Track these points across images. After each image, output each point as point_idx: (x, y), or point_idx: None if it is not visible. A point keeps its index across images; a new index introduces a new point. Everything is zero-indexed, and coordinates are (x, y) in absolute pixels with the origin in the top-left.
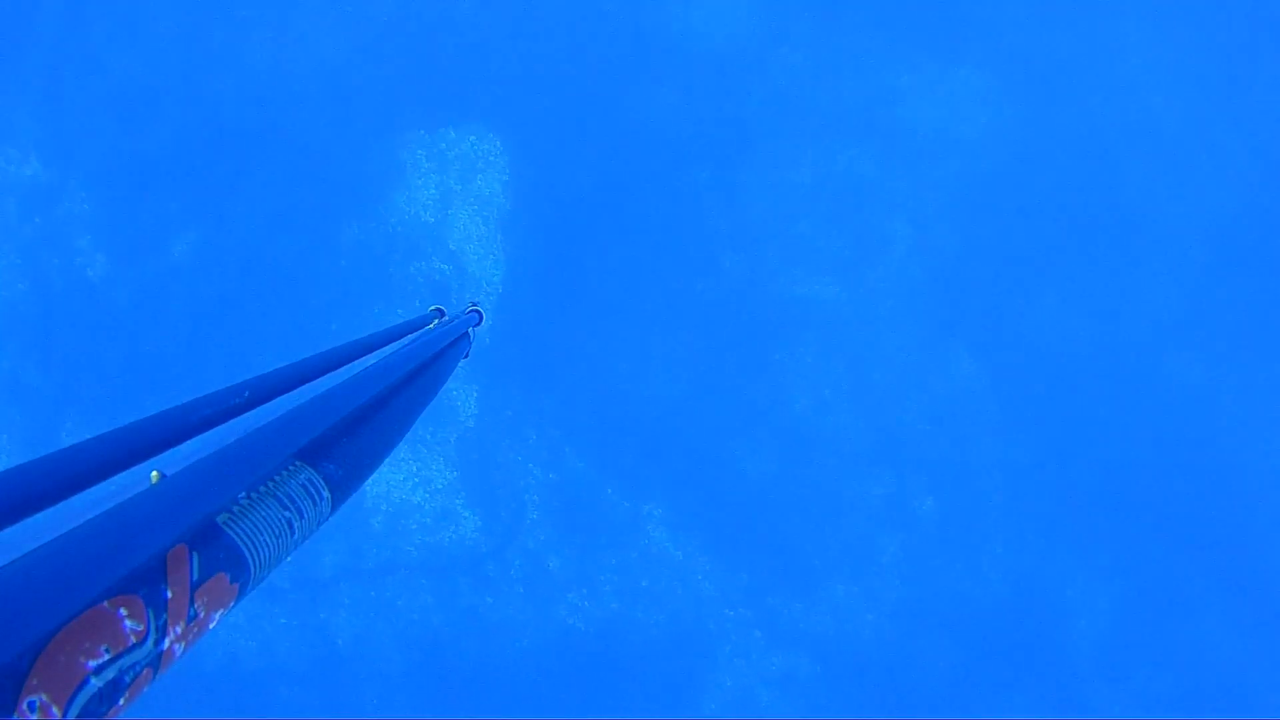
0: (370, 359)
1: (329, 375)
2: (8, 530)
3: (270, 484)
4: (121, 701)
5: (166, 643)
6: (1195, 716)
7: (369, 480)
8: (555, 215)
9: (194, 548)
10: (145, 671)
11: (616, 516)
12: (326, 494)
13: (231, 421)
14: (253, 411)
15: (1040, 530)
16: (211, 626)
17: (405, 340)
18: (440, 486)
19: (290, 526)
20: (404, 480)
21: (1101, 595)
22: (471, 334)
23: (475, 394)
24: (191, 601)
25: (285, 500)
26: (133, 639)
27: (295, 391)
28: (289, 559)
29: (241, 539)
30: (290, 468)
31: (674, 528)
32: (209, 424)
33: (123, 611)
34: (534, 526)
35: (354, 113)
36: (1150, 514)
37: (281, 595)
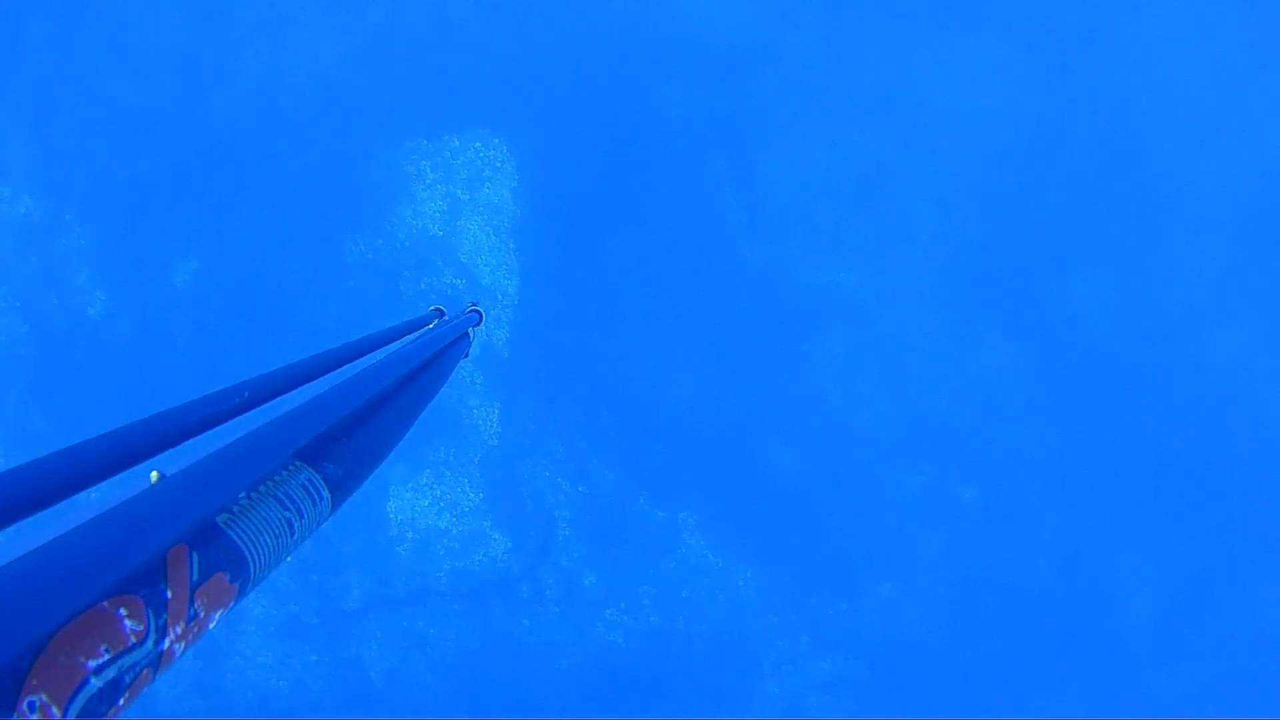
0: (370, 359)
1: (329, 375)
2: (8, 530)
3: (270, 484)
4: (121, 701)
5: (166, 643)
6: (1250, 700)
7: (369, 480)
8: (568, 219)
9: (194, 548)
10: (145, 671)
11: (651, 526)
12: (326, 494)
13: (231, 421)
14: (253, 411)
15: (1085, 514)
16: (211, 626)
17: (405, 340)
18: (467, 509)
19: (290, 526)
20: (429, 505)
21: (1151, 578)
22: (471, 334)
23: (497, 411)
24: (191, 601)
25: (285, 500)
26: (133, 639)
27: (295, 391)
28: (289, 559)
29: (241, 539)
30: (290, 468)
31: (710, 534)
32: (209, 424)
33: (123, 611)
34: (566, 543)
35: (354, 124)
36: (1196, 492)
37: (310, 631)
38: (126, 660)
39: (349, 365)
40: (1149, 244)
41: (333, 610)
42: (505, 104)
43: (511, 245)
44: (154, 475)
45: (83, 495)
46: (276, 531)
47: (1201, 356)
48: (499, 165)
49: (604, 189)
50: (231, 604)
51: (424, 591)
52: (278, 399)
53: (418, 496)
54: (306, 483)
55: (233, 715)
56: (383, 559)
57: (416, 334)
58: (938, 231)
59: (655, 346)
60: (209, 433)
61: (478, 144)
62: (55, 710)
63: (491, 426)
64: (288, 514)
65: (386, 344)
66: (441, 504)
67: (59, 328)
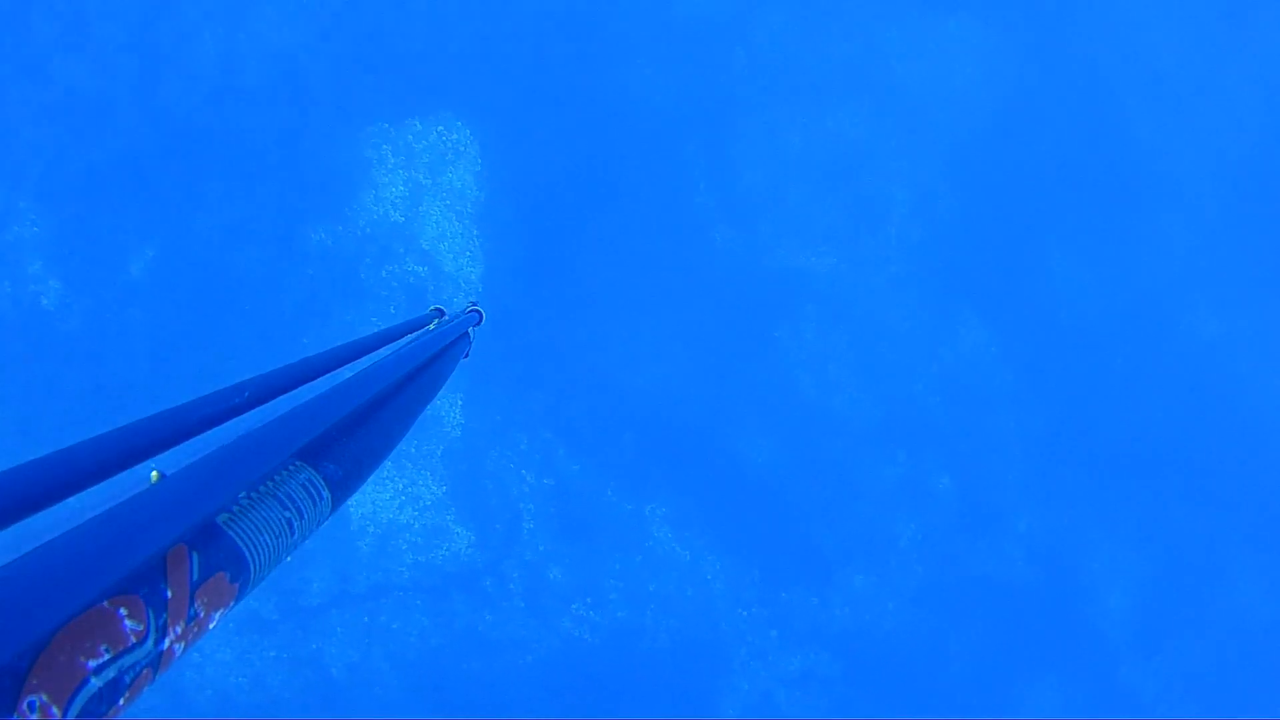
0: (370, 359)
1: (329, 375)
2: (8, 530)
3: (270, 484)
4: (121, 701)
5: (166, 643)
6: (1230, 693)
7: (369, 480)
8: (533, 204)
9: (194, 548)
10: (145, 671)
11: (618, 519)
12: (326, 494)
13: (231, 421)
14: (253, 411)
15: (1063, 502)
16: (211, 626)
17: (405, 340)
18: (429, 503)
19: (290, 526)
20: (391, 499)
21: (1130, 566)
22: (472, 334)
23: (460, 402)
24: (191, 601)
25: (285, 500)
26: (133, 639)
27: (295, 391)
28: (289, 559)
29: (241, 539)
30: (290, 468)
31: (679, 526)
32: (209, 424)
33: (123, 611)
34: (531, 536)
35: (313, 108)
36: (1176, 480)
37: (270, 627)
38: (126, 660)
39: (349, 365)
40: (1128, 226)
41: (293, 606)
42: (468, 86)
43: (475, 231)
44: (154, 475)
45: (82, 495)
46: (276, 531)
47: (1183, 342)
48: (462, 149)
49: (570, 172)
50: (231, 604)
51: (385, 586)
52: (278, 399)
53: (379, 490)
54: (306, 483)
55: (191, 714)
56: (343, 554)
57: (416, 334)
58: (912, 214)
59: (624, 334)
60: (209, 433)
61: (440, 127)
62: (55, 710)
63: (454, 418)
64: (288, 514)
65: (386, 344)
66: (403, 497)
67: (11, 318)
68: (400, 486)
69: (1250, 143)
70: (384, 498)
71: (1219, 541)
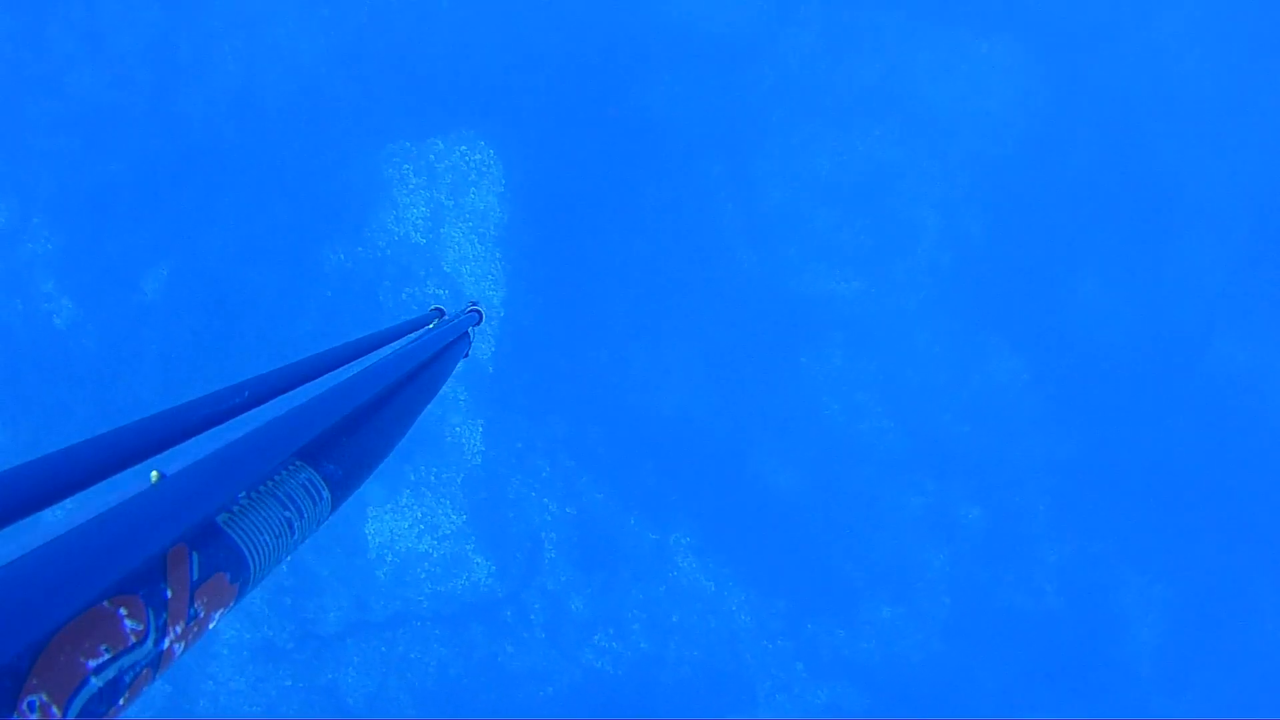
0: (370, 359)
1: (329, 375)
2: (8, 530)
3: (270, 484)
4: (121, 701)
5: (166, 643)
6: None
7: (369, 480)
8: (556, 225)
9: (194, 548)
10: (145, 671)
11: (641, 548)
12: (326, 494)
13: (231, 421)
14: (253, 411)
15: (1093, 533)
16: (211, 626)
17: (405, 340)
18: (449, 532)
19: (290, 526)
20: (409, 528)
21: (1158, 599)
22: (471, 334)
23: (480, 428)
24: (191, 601)
25: (285, 500)
26: (133, 639)
27: (295, 391)
28: (289, 558)
29: (241, 539)
30: (290, 468)
31: (703, 555)
32: (209, 424)
33: (123, 611)
34: (553, 566)
35: (333, 125)
36: (1208, 509)
37: (284, 655)
38: (126, 660)
39: (349, 365)
40: (1159, 252)
41: (308, 634)
42: (492, 105)
43: (497, 254)
44: (154, 475)
45: (82, 495)
46: (276, 531)
47: (1214, 370)
48: (485, 169)
49: (594, 193)
50: (231, 604)
51: (404, 615)
52: (278, 399)
53: (397, 518)
54: (306, 482)
55: None
56: (360, 582)
57: (417, 334)
58: (941, 238)
59: (647, 359)
60: (209, 433)
61: (463, 147)
62: (55, 710)
63: (475, 445)
64: (288, 514)
65: (386, 344)
66: (422, 526)
67: (23, 337)
68: (419, 515)
69: None
70: (403, 526)
71: (1252, 575)
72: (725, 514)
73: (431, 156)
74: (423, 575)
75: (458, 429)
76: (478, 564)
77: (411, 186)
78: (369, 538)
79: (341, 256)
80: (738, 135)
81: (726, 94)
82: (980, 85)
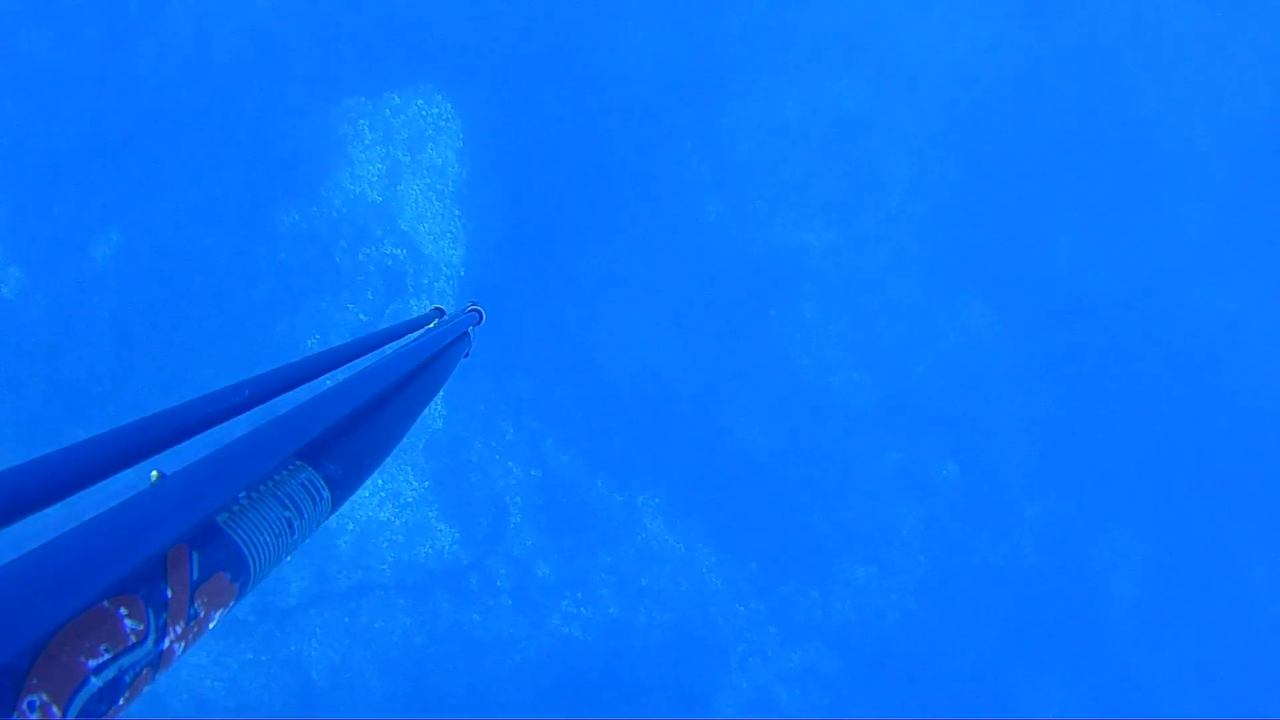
0: (370, 359)
1: (329, 375)
2: (8, 530)
3: (270, 484)
4: (121, 701)
5: (166, 642)
6: (1241, 687)
7: (370, 479)
8: (518, 181)
9: (194, 547)
10: (145, 671)
11: (609, 511)
12: (326, 493)
13: (231, 421)
14: (253, 411)
15: (1071, 489)
16: (211, 626)
17: (405, 340)
18: (411, 499)
19: (290, 526)
20: (370, 496)
21: (1139, 555)
22: (472, 333)
23: (441, 392)
24: (191, 601)
25: (285, 500)
26: (133, 639)
27: (295, 391)
28: (289, 558)
29: (241, 538)
30: (290, 467)
31: (672, 517)
32: (209, 424)
33: (123, 611)
34: (518, 531)
35: (286, 82)
36: (1186, 463)
37: (246, 628)
38: (126, 660)
39: (349, 365)
40: (1136, 202)
41: (269, 607)
42: (449, 57)
43: (456, 211)
44: (154, 475)
45: (83, 495)
46: (276, 531)
47: (1192, 323)
48: (443, 124)
49: (556, 147)
50: (231, 604)
51: (366, 585)
52: (278, 399)
53: None
54: (306, 482)
55: (167, 716)
56: (321, 553)
57: (417, 333)
58: (913, 188)
59: (613, 316)
60: (209, 432)
61: (420, 101)
62: (55, 710)
63: (436, 409)
64: (288, 514)
65: (386, 344)
66: (383, 494)
67: None
68: (380, 483)
69: (1261, 119)
70: (363, 495)
71: (1230, 530)
72: (694, 474)
73: (387, 112)
74: (385, 544)
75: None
76: (441, 531)
77: (367, 143)
78: (345, 503)
79: (296, 217)
80: (703, 83)
81: (691, 40)
82: (953, 28)
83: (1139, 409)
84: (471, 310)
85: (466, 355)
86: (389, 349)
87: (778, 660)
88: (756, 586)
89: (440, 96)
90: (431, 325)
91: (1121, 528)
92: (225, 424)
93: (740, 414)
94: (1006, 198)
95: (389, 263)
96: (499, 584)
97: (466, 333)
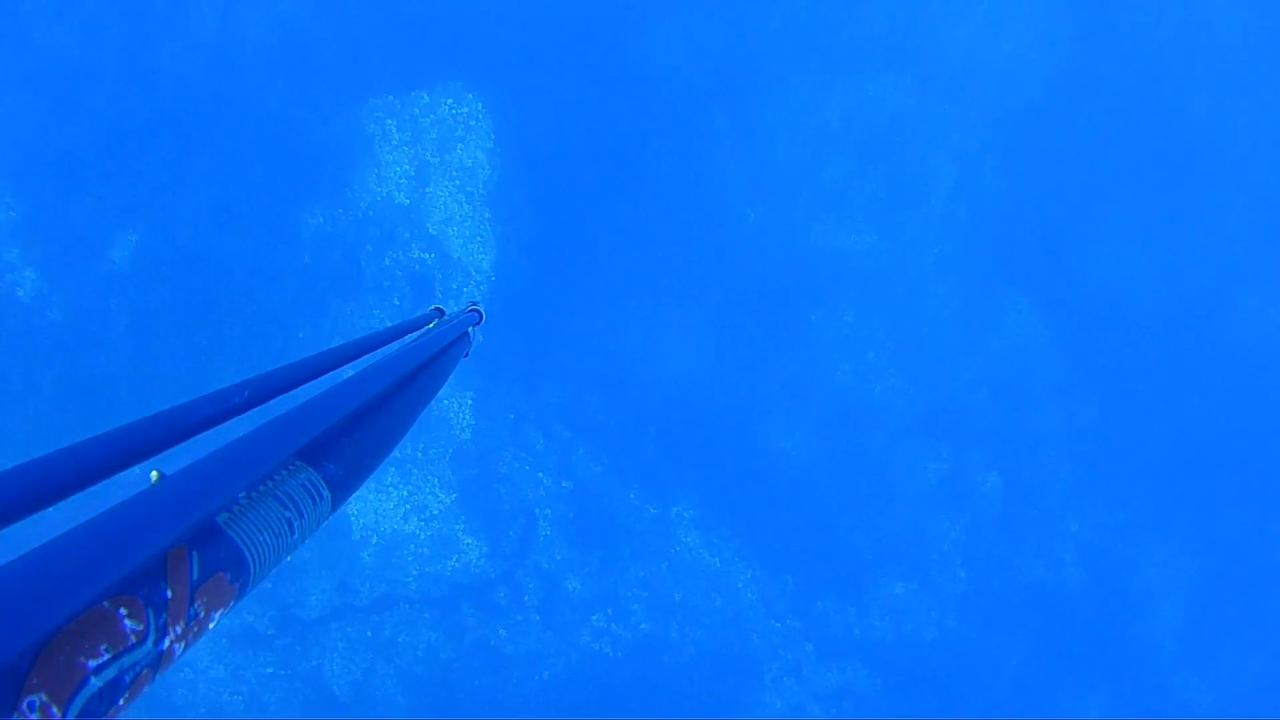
0: (370, 359)
1: (329, 375)
2: (8, 530)
3: (270, 484)
4: (121, 701)
5: (166, 643)
6: None
7: (369, 480)
8: (549, 183)
9: (194, 548)
10: (145, 671)
11: (641, 524)
12: (326, 493)
13: (231, 421)
14: (253, 411)
15: (1115, 501)
16: (211, 626)
17: (405, 340)
18: (437, 511)
19: (290, 526)
20: (395, 508)
21: (1183, 572)
22: (471, 333)
23: (470, 400)
24: (191, 601)
25: (285, 500)
26: (132, 639)
27: (295, 391)
28: (289, 559)
29: (241, 539)
30: (290, 468)
31: (707, 530)
32: (209, 424)
33: (123, 611)
34: (548, 544)
35: (312, 79)
36: (1234, 477)
37: (265, 641)
38: (126, 660)
39: (349, 365)
40: (1186, 207)
41: (290, 619)
42: (480, 55)
43: (486, 213)
44: (154, 475)
45: (82, 495)
46: (276, 531)
47: (1243, 332)
48: (473, 124)
49: (589, 147)
50: (231, 604)
51: (390, 598)
52: (278, 399)
53: (382, 499)
54: (306, 482)
55: None
56: (344, 564)
57: (417, 334)
58: (957, 190)
59: (647, 322)
60: (209, 433)
61: (449, 100)
62: (55, 710)
63: (464, 419)
64: (288, 514)
65: (386, 344)
66: (408, 506)
67: None
68: (405, 494)
69: None
70: (388, 506)
71: (1277, 548)
72: (730, 485)
73: (416, 110)
74: (410, 557)
75: (445, 402)
76: (468, 544)
77: (395, 143)
78: (352, 519)
79: (320, 219)
80: (742, 83)
81: (730, 37)
82: (998, 28)
83: (1187, 421)
84: (471, 310)
85: (466, 355)
86: (389, 349)
87: (813, 679)
88: (792, 602)
89: (470, 95)
90: (431, 326)
91: (1167, 544)
92: (225, 424)
93: (777, 423)
94: (1052, 201)
95: (416, 267)
96: (527, 598)
97: (466, 333)
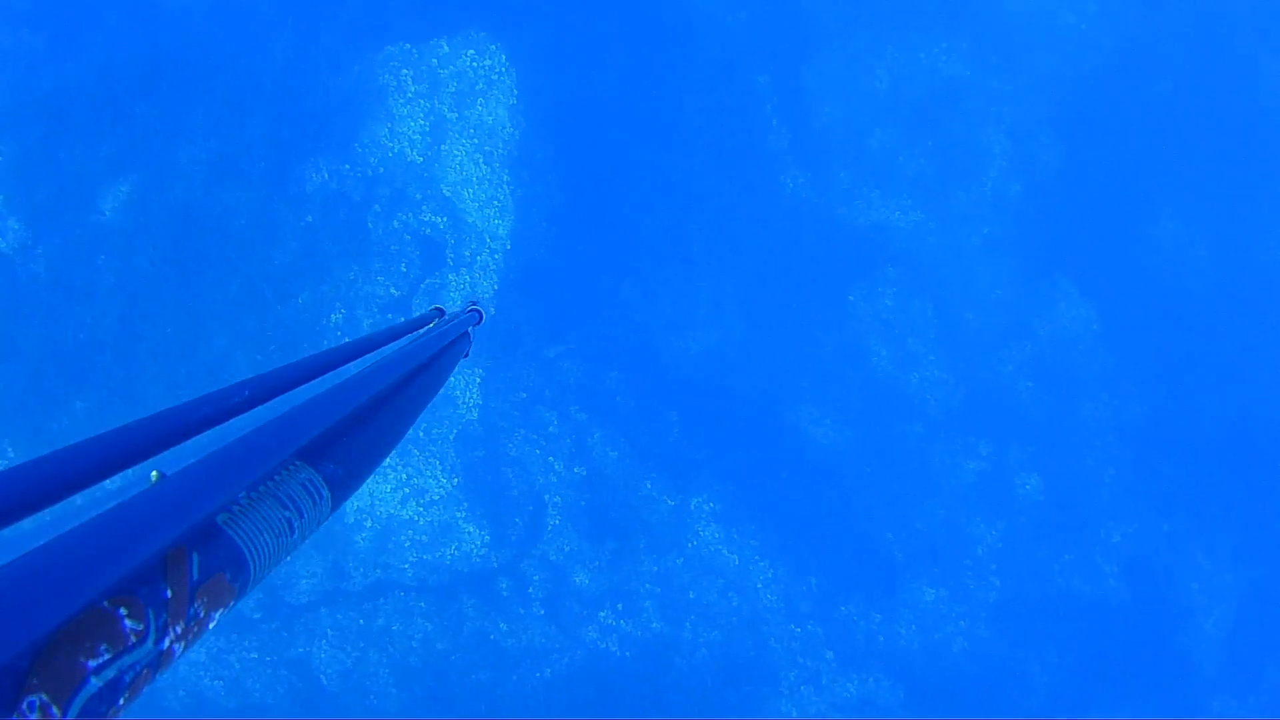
0: (370, 358)
1: (329, 375)
2: (8, 530)
3: (270, 484)
4: (121, 701)
5: (166, 643)
6: None
7: (369, 479)
8: (575, 144)
9: (194, 548)
10: (145, 671)
11: (658, 515)
12: (326, 493)
13: (231, 421)
14: (253, 411)
15: (1162, 510)
16: (211, 626)
17: (405, 340)
18: (438, 497)
19: (290, 526)
20: (392, 491)
21: (1230, 589)
22: (471, 333)
23: (479, 377)
24: (191, 601)
25: (285, 500)
26: (132, 639)
27: (295, 391)
28: (289, 559)
29: (241, 539)
30: (290, 467)
31: (728, 524)
32: (209, 424)
33: (123, 611)
34: (556, 533)
35: (321, 22)
36: None
37: (251, 625)
38: (126, 660)
39: (349, 365)
40: (1250, 191)
41: (278, 603)
42: (506, 3)
43: (505, 175)
44: (154, 475)
45: (82, 495)
46: (276, 531)
47: None
48: (495, 78)
49: (619, 106)
50: (231, 604)
51: (385, 585)
52: (278, 399)
53: (379, 481)
54: (306, 482)
55: (163, 715)
56: (337, 548)
57: (417, 333)
58: (1009, 167)
59: (673, 296)
60: (209, 432)
61: (471, 51)
62: (55, 710)
63: (471, 397)
64: (288, 514)
65: (386, 344)
66: (407, 490)
67: None
68: (404, 477)
69: None
70: (385, 490)
71: None
72: (754, 477)
73: (434, 61)
74: (407, 543)
75: (453, 378)
76: (470, 532)
77: (410, 95)
78: (347, 502)
79: (326, 175)
80: (786, 42)
81: None
82: None
83: (1244, 427)
84: (471, 310)
85: (466, 355)
86: (389, 349)
87: (833, 689)
88: (814, 605)
89: (494, 46)
90: (431, 325)
91: (1215, 559)
92: (225, 424)
93: (807, 410)
94: (1111, 182)
95: (427, 231)
96: (531, 590)
97: (466, 333)
